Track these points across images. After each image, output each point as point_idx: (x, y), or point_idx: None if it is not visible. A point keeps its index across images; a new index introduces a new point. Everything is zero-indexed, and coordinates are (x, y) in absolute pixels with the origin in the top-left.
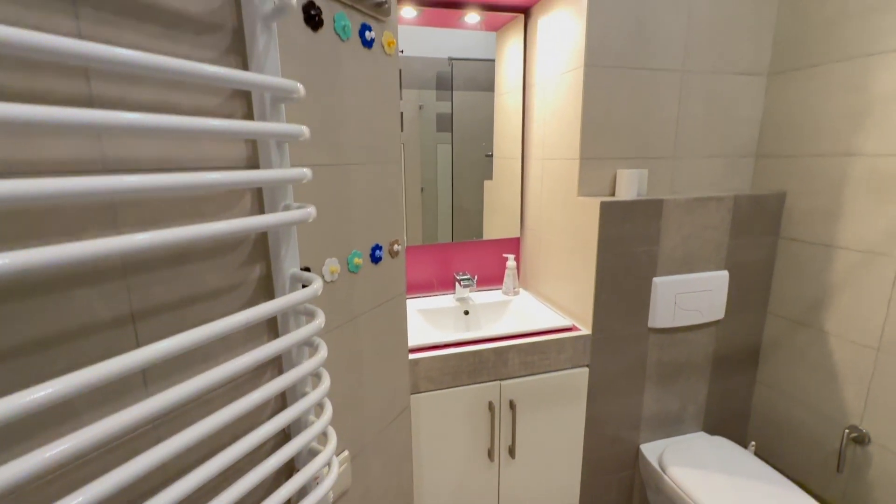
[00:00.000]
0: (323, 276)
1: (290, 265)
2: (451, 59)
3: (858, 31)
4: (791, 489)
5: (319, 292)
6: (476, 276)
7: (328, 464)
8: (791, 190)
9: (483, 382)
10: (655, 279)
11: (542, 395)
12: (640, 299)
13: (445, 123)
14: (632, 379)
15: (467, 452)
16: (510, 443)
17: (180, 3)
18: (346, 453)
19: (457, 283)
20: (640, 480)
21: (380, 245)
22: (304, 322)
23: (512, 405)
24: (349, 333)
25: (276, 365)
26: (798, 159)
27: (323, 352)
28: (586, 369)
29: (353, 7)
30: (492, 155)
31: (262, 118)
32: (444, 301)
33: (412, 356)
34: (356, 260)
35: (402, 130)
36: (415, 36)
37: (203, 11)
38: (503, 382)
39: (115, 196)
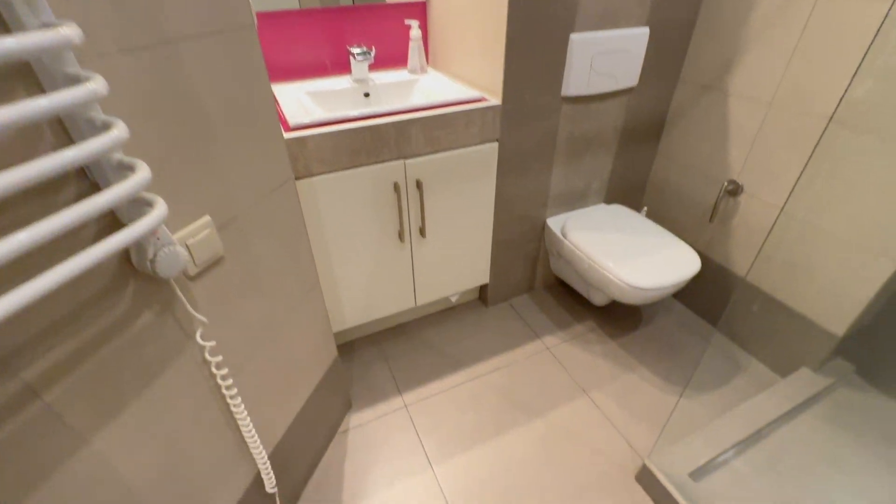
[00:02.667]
0: None
1: None
2: None
3: None
4: (670, 238)
5: None
6: (374, 49)
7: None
8: None
9: (385, 162)
10: (573, 35)
11: (451, 173)
12: (555, 63)
13: None
14: (541, 156)
15: (376, 236)
16: (420, 223)
17: None
18: (206, 219)
19: (352, 59)
20: (543, 251)
21: None
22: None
23: (419, 185)
24: (165, 62)
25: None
26: None
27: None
28: (496, 144)
29: None
30: None
31: None
32: (339, 83)
33: (298, 134)
34: None
35: None
36: None
37: None
38: (407, 161)
39: None
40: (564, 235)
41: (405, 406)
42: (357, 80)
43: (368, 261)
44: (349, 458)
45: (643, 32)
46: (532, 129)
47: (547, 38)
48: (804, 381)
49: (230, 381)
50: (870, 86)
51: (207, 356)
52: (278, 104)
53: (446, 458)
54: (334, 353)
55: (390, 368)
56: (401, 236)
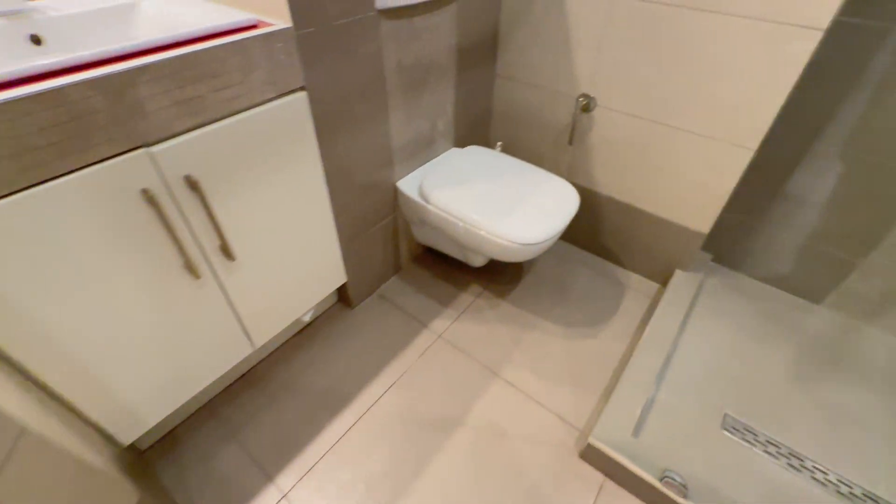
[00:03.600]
0: None
1: None
2: None
3: None
4: (540, 174)
5: None
6: None
7: None
8: None
9: (107, 160)
10: None
11: (243, 152)
12: None
13: None
14: (371, 98)
15: (146, 285)
16: (219, 241)
17: None
18: None
19: None
20: (402, 223)
21: None
22: None
23: (194, 184)
24: None
25: None
26: None
27: None
28: (303, 94)
29: None
30: None
31: None
32: None
33: None
34: None
35: None
36: None
37: None
38: (154, 149)
39: None
40: (426, 200)
41: (283, 495)
42: (8, 15)
43: (149, 325)
44: None
45: None
46: (349, 63)
47: None
48: (682, 285)
49: None
50: None
51: None
52: None
53: None
54: (134, 495)
55: (244, 447)
56: (191, 269)
